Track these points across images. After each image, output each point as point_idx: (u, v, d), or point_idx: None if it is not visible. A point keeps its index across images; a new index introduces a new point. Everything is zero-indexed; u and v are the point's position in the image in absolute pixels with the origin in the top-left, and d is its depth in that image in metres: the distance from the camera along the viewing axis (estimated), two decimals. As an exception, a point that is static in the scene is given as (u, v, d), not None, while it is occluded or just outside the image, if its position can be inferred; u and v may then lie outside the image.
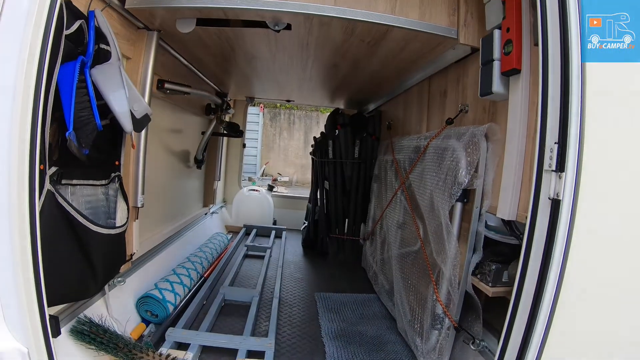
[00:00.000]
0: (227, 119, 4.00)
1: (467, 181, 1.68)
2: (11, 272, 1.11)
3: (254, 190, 4.90)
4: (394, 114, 3.23)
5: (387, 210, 2.84)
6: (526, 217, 1.32)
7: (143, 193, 2.04)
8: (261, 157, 13.02)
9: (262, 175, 12.14)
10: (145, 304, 2.10)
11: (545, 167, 1.22)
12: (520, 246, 1.59)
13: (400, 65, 2.34)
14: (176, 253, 2.91)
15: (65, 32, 1.27)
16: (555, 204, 1.19)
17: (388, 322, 2.44)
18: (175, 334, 1.90)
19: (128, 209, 1.73)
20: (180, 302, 2.33)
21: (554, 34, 1.18)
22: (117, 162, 1.74)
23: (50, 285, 1.22)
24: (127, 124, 1.47)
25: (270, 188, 5.08)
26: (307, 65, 2.62)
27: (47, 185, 1.23)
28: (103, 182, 1.67)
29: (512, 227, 1.58)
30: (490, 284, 1.69)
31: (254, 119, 11.33)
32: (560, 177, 1.17)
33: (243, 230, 4.47)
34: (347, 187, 3.78)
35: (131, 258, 2.05)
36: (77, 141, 1.31)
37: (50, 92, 1.19)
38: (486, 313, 1.74)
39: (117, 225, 1.61)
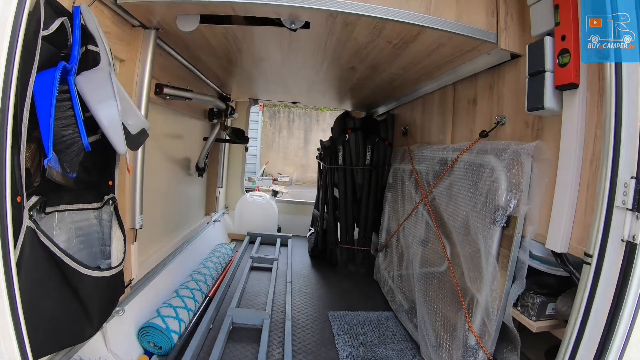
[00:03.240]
0: (229, 122, 3.77)
1: (512, 207, 1.48)
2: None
3: (257, 196, 4.69)
4: (411, 119, 3.02)
5: (405, 224, 2.65)
6: (590, 257, 1.14)
7: (141, 213, 1.84)
8: (261, 156, 12.81)
9: (262, 175, 11.93)
10: (147, 334, 1.91)
11: (618, 203, 1.05)
12: (569, 278, 1.43)
13: (424, 69, 2.14)
14: (178, 271, 2.70)
15: (43, 33, 1.05)
16: (631, 248, 1.02)
17: (409, 345, 2.26)
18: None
19: (125, 239, 1.52)
20: (186, 329, 2.13)
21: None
22: (110, 183, 1.52)
23: (40, 334, 1.05)
24: (119, 144, 1.26)
25: (275, 193, 4.86)
26: (321, 67, 2.40)
27: (26, 221, 1.02)
28: (95, 205, 1.46)
29: (563, 259, 1.39)
30: (533, 318, 1.51)
31: (254, 118, 11.10)
32: (638, 218, 0.99)
33: (247, 238, 4.26)
34: (357, 195, 3.58)
35: (130, 283, 1.86)
36: (60, 166, 1.11)
37: (25, 108, 0.98)
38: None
39: (114, 265, 1.40)
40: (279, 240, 4.28)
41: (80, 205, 1.39)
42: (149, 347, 1.91)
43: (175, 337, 1.96)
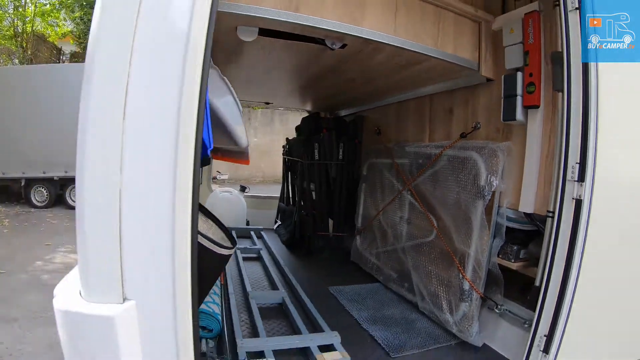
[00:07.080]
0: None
1: (495, 185, 2.11)
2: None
3: (226, 191, 4.89)
4: (383, 121, 3.59)
5: (388, 208, 3.20)
6: (552, 212, 1.76)
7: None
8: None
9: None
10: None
11: (569, 177, 1.63)
12: (535, 231, 2.08)
13: (415, 82, 2.66)
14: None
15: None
16: (578, 203, 1.60)
17: (405, 304, 2.82)
18: (247, 344, 1.98)
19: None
20: (222, 312, 2.35)
21: (577, 85, 1.56)
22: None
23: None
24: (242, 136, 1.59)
25: (243, 189, 5.09)
26: (324, 77, 2.80)
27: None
28: None
29: (532, 218, 2.06)
30: (512, 261, 2.15)
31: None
32: (581, 185, 1.60)
33: (224, 233, 4.44)
34: (331, 187, 4.05)
35: None
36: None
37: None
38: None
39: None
40: (253, 233, 4.56)
41: None
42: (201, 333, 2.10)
43: (220, 320, 2.18)
